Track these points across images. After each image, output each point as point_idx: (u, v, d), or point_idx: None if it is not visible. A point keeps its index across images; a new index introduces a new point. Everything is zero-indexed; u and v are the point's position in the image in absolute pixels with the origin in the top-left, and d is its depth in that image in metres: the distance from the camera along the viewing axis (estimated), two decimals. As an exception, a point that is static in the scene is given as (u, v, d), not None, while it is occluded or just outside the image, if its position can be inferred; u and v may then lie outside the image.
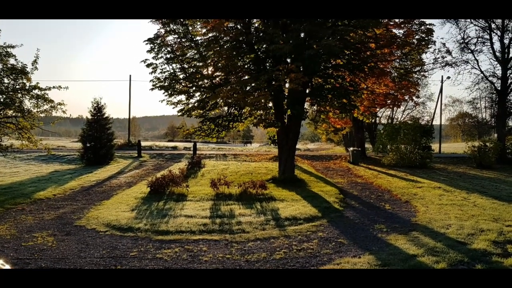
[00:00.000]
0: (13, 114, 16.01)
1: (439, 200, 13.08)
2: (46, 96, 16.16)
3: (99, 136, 23.86)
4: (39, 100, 16.00)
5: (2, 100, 15.29)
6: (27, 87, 15.77)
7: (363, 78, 18.03)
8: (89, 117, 24.55)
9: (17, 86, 15.59)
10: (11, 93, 15.39)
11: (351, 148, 27.77)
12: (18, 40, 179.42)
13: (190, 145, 37.54)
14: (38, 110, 16.24)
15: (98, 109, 24.54)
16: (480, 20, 28.21)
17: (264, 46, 15.63)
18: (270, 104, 17.19)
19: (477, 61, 40.09)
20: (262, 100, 15.18)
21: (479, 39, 28.93)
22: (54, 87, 16.43)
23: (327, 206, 12.11)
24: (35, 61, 15.91)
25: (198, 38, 16.98)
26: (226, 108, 18.66)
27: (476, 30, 35.73)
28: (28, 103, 16.05)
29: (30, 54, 17.26)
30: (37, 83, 16.04)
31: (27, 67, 15.73)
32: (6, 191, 14.33)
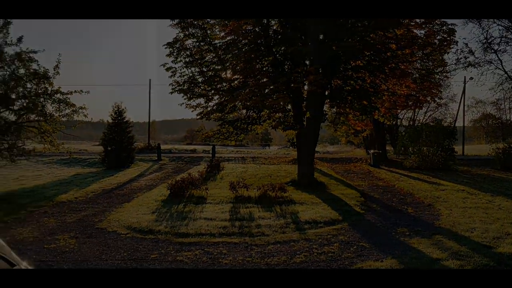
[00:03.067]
0: (36, 118, 16.22)
1: (463, 203, 12.75)
2: (68, 100, 16.36)
3: (120, 140, 24.09)
4: (61, 104, 16.17)
5: (25, 104, 15.53)
6: (49, 92, 15.96)
7: (384, 79, 17.73)
8: (110, 121, 24.85)
9: (40, 91, 15.78)
10: (33, 97, 15.59)
11: (372, 151, 27.39)
12: (34, 42, 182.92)
13: (209, 148, 37.58)
14: (60, 114, 16.41)
15: (118, 113, 24.82)
16: (504, 19, 27.57)
17: (283, 48, 15.57)
18: (289, 107, 17.11)
19: (500, 61, 38.69)
20: (281, 103, 15.14)
21: (503, 38, 28.17)
22: (75, 91, 16.62)
23: (347, 209, 11.94)
24: (56, 66, 16.08)
25: (216, 41, 17.03)
26: (244, 111, 18.64)
27: (499, 30, 34.95)
28: (50, 107, 16.23)
29: (46, 56, 17.46)
30: (59, 87, 16.21)
31: (49, 72, 15.94)
32: (29, 194, 14.59)
